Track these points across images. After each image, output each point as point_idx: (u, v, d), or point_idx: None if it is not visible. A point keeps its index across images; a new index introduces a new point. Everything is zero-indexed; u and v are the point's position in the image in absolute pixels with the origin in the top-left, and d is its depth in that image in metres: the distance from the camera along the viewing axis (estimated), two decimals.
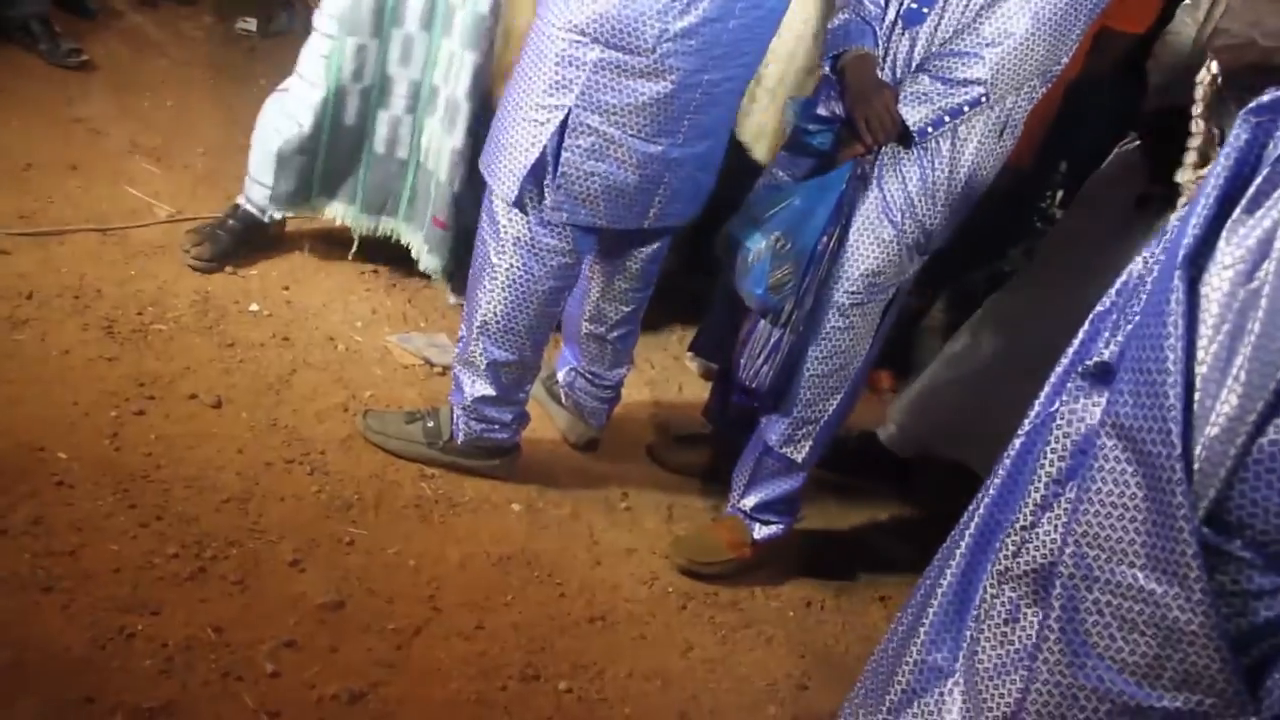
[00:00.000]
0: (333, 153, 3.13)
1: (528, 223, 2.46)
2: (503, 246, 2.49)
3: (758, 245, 2.44)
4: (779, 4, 2.44)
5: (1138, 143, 2.75)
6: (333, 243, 3.29)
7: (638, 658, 2.46)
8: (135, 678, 2.03)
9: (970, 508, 1.78)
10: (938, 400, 3.08)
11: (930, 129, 2.37)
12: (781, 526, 2.79)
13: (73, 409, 2.53)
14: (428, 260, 3.24)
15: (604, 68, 2.29)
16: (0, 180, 3.13)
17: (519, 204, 2.44)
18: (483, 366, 2.60)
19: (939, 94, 2.34)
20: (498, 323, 2.55)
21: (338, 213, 3.24)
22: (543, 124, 2.35)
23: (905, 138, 2.39)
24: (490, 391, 2.63)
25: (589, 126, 2.34)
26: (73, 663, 2.02)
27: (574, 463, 2.94)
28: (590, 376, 2.89)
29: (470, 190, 3.02)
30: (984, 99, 2.34)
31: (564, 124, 2.34)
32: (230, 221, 3.15)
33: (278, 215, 3.17)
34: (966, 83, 2.33)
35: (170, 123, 3.72)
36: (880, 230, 2.46)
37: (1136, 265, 1.64)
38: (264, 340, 2.93)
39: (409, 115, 3.13)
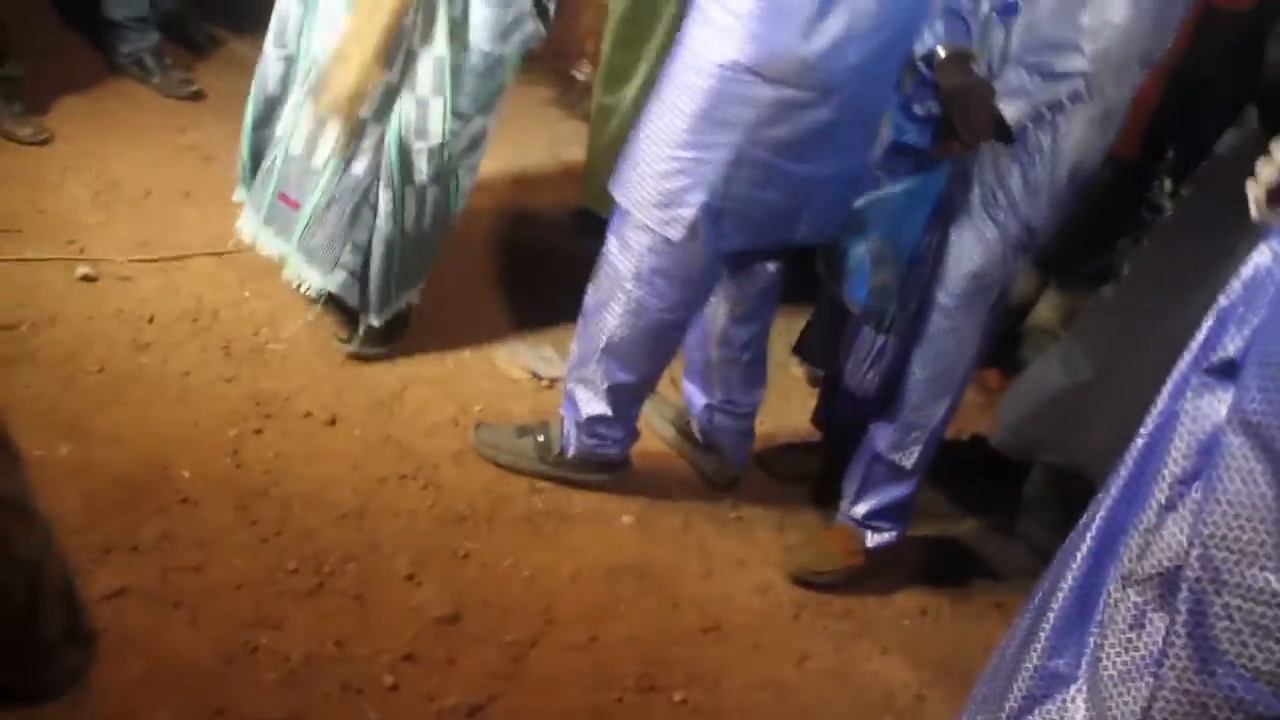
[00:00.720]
0: (257, 127, 2.92)
1: (670, 253, 2.43)
2: (640, 274, 2.46)
3: (857, 250, 2.42)
4: (915, 28, 2.40)
5: (1255, 126, 2.66)
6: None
7: (752, 668, 2.45)
8: (261, 690, 2.08)
9: (1090, 510, 1.74)
10: (1049, 402, 3.01)
11: (1029, 125, 2.32)
12: (894, 533, 2.75)
13: (194, 428, 2.60)
14: (272, 243, 2.89)
15: (775, 104, 2.27)
16: (120, 209, 3.24)
17: (683, 240, 2.40)
18: (603, 387, 2.60)
19: (1037, 88, 2.28)
20: (624, 346, 2.54)
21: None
22: (708, 162, 2.32)
23: (1004, 135, 2.34)
24: (606, 411, 2.63)
25: (758, 160, 2.33)
26: (202, 675, 2.08)
27: (684, 474, 2.93)
28: (728, 407, 2.83)
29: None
30: (1083, 92, 2.27)
31: (732, 159, 2.32)
32: None
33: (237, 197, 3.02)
34: (1065, 75, 2.26)
35: None
36: (982, 229, 2.42)
37: (1263, 257, 1.58)
38: (374, 357, 2.98)
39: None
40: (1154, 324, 2.59)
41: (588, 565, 2.58)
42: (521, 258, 3.58)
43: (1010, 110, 2.30)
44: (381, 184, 2.76)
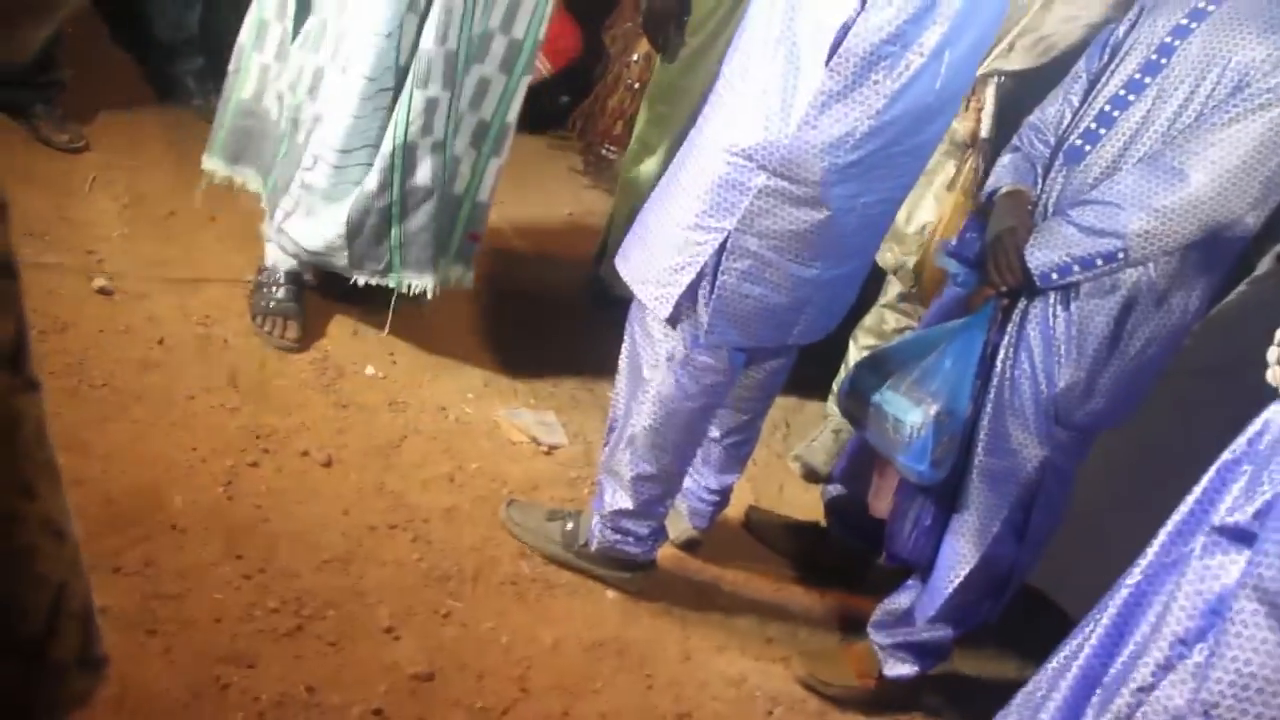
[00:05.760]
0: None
1: (683, 341, 2.41)
2: (657, 362, 2.45)
3: (914, 419, 2.33)
4: (941, 129, 2.39)
5: None
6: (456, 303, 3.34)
7: None
8: None
9: (1063, 654, 1.71)
10: None
11: (1054, 275, 2.23)
12: (913, 669, 2.63)
13: (191, 454, 2.59)
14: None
15: (768, 194, 2.23)
16: (143, 226, 3.25)
17: (673, 321, 2.39)
18: (627, 478, 2.56)
19: (1068, 239, 2.21)
20: (646, 437, 2.51)
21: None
22: (701, 244, 2.30)
23: (1030, 280, 2.26)
24: (629, 505, 2.59)
25: (747, 250, 2.28)
26: (170, 706, 2.05)
27: (672, 555, 2.91)
28: (696, 476, 2.81)
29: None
30: (1120, 255, 2.18)
31: (723, 246, 2.29)
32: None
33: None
34: (1099, 233, 2.18)
35: None
36: (1004, 387, 2.35)
37: (1274, 414, 1.58)
38: (377, 404, 2.98)
39: (472, 150, 3.01)
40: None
41: (567, 636, 2.55)
42: (535, 322, 3.58)
43: (1036, 256, 2.24)
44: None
